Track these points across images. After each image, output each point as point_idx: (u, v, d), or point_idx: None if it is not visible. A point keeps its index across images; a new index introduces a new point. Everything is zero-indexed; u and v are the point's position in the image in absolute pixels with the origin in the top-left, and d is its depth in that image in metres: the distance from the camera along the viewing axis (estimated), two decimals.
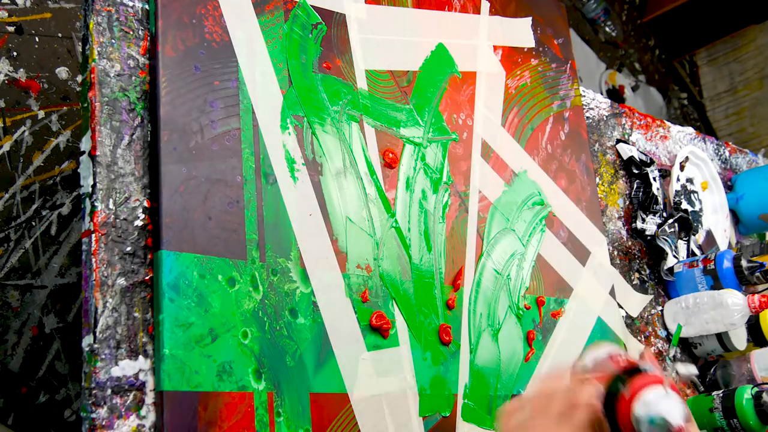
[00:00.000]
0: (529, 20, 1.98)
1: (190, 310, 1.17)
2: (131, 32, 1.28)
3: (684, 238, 2.22)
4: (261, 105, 1.37)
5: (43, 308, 2.21)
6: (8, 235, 2.21)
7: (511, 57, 1.90)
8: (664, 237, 2.13)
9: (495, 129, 1.78)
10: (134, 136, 1.23)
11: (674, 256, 2.15)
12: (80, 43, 2.42)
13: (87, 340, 1.12)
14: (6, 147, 2.26)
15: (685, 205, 2.27)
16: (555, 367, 1.54)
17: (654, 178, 2.12)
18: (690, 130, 2.49)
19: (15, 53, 2.34)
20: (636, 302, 2.00)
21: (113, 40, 1.26)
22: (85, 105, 1.22)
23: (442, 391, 1.48)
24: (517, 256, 1.72)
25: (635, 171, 2.14)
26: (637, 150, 2.21)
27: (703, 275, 2.02)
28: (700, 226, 2.32)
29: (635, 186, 2.14)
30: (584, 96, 2.12)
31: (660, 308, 2.07)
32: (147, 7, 1.32)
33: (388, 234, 1.50)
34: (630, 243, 2.09)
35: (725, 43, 5.43)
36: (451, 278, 1.57)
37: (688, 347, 2.09)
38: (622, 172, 2.15)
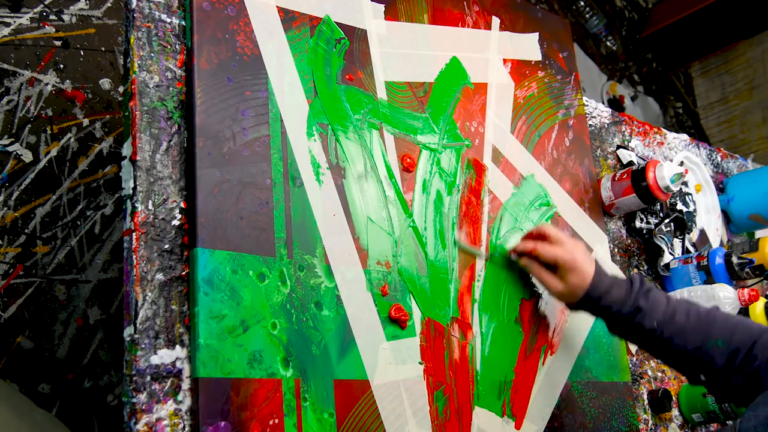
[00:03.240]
0: (536, 35, 1.98)
1: (223, 303, 1.17)
2: (169, 46, 1.29)
3: (679, 237, 2.21)
4: (289, 114, 1.37)
5: (87, 301, 2.22)
6: (56, 234, 2.22)
7: (519, 69, 1.89)
8: (661, 235, 2.13)
9: (505, 136, 1.77)
10: (172, 143, 1.23)
11: (670, 253, 2.14)
12: (122, 57, 2.43)
13: (128, 331, 1.12)
14: (53, 152, 2.27)
15: (680, 206, 2.26)
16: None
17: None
18: (685, 136, 2.48)
19: (62, 66, 2.34)
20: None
21: (152, 54, 1.26)
22: (127, 114, 1.22)
23: None
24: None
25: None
26: (636, 155, 2.20)
27: (696, 271, 2.02)
28: (694, 225, 2.31)
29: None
30: (587, 105, 2.11)
31: None
32: (183, 23, 1.32)
33: (406, 233, 1.49)
34: (629, 241, 2.08)
35: (717, 57, 5.42)
36: (464, 273, 1.57)
37: None
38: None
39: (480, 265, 1.61)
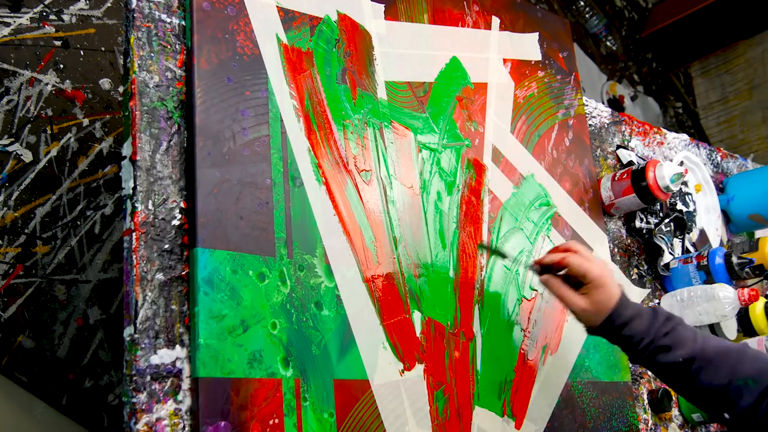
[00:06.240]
0: (536, 35, 1.98)
1: (224, 303, 1.17)
2: (169, 46, 1.29)
3: (679, 237, 2.21)
4: (288, 113, 1.37)
5: (87, 301, 2.22)
6: (55, 234, 2.22)
7: (519, 69, 1.89)
8: (661, 235, 2.13)
9: (504, 136, 1.77)
10: (171, 143, 1.23)
11: (670, 253, 2.14)
12: (122, 57, 2.42)
13: (128, 331, 1.12)
14: (53, 152, 2.27)
15: (680, 206, 2.26)
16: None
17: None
18: (685, 136, 2.48)
19: (62, 66, 2.34)
20: (635, 296, 1.99)
21: (152, 54, 1.26)
22: (127, 113, 1.22)
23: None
24: (525, 253, 1.71)
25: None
26: (636, 155, 2.20)
27: (696, 270, 2.01)
28: (694, 225, 2.31)
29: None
30: (587, 105, 2.11)
31: (657, 301, 2.06)
32: (183, 23, 1.32)
33: (406, 232, 1.49)
34: (629, 241, 2.08)
35: (717, 57, 5.42)
36: (464, 273, 1.57)
37: None
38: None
39: (491, 263, 1.61)
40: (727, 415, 1.38)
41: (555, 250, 1.56)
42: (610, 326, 1.43)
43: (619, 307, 1.43)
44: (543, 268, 1.54)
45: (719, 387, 1.36)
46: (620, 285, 1.48)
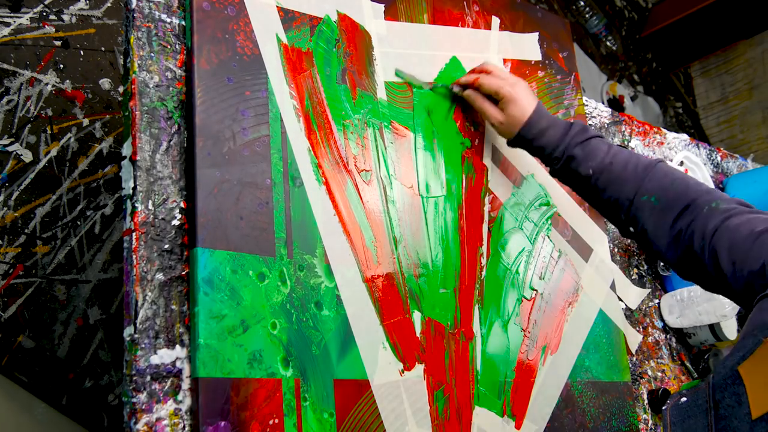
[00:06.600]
0: (536, 35, 1.98)
1: (223, 303, 1.17)
2: (169, 46, 1.29)
3: None
4: (288, 113, 1.37)
5: (87, 301, 2.22)
6: (55, 234, 2.22)
7: (519, 69, 1.89)
8: None
9: None
10: (171, 143, 1.23)
11: None
12: (122, 57, 2.42)
13: (128, 331, 1.12)
14: (53, 152, 2.27)
15: None
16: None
17: None
18: (684, 136, 2.48)
19: (62, 66, 2.34)
20: (635, 295, 1.99)
21: (152, 54, 1.26)
22: (127, 113, 1.22)
23: None
24: (525, 252, 1.71)
25: None
26: None
27: None
28: None
29: None
30: (587, 105, 2.11)
31: (657, 301, 2.06)
32: (183, 23, 1.32)
33: (406, 232, 1.49)
34: (629, 241, 2.08)
35: (717, 57, 5.42)
36: (464, 273, 1.57)
37: (683, 337, 2.08)
38: None
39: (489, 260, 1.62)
40: (632, 229, 1.45)
41: (472, 71, 1.68)
42: (525, 138, 1.56)
43: (532, 119, 1.55)
44: (464, 87, 1.67)
45: (623, 202, 1.44)
46: (538, 101, 1.58)
